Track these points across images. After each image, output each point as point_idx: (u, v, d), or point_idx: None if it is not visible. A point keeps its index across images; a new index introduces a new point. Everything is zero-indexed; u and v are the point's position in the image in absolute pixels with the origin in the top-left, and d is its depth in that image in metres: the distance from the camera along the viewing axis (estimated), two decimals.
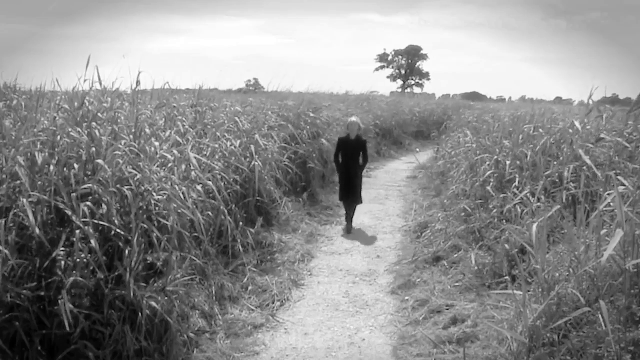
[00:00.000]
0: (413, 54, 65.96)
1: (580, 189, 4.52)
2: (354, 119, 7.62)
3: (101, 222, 3.17)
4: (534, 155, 5.55)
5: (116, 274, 3.20)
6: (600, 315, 2.82)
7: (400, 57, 66.64)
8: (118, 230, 3.22)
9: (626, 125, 5.63)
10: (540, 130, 6.27)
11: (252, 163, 6.02)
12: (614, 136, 5.25)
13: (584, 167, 4.84)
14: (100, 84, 4.46)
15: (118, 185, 3.43)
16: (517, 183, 5.28)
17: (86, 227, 3.03)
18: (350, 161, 7.48)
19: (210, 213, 4.67)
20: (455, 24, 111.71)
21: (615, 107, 6.87)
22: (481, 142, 7.41)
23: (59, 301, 2.83)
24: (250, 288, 4.80)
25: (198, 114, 6.35)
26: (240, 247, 5.16)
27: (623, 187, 3.56)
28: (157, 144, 4.20)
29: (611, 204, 3.45)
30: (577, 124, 5.74)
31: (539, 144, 5.71)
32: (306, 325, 4.33)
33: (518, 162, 5.75)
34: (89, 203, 3.16)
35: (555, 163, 5.31)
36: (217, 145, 5.62)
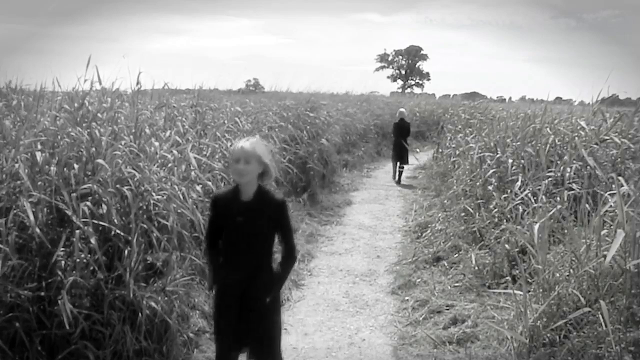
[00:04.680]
0: (413, 54, 66.05)
1: (582, 189, 4.53)
2: (245, 144, 2.68)
3: (101, 222, 3.17)
4: (537, 155, 5.55)
5: (116, 274, 3.20)
6: (600, 315, 2.82)
7: (401, 57, 66.73)
8: (118, 231, 3.22)
9: (630, 126, 5.63)
10: (548, 129, 6.25)
11: None
12: (617, 137, 5.25)
13: (587, 167, 4.85)
14: (100, 83, 4.46)
15: (118, 185, 3.43)
16: (519, 183, 5.27)
17: (86, 227, 3.03)
18: (246, 256, 2.78)
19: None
20: (461, 22, 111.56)
21: (614, 108, 6.88)
22: (485, 142, 7.40)
23: (59, 301, 2.83)
24: None
25: (198, 114, 6.35)
26: None
27: (624, 188, 3.55)
28: (156, 144, 4.19)
29: (612, 204, 3.45)
30: (583, 124, 5.74)
31: (545, 143, 5.69)
32: (306, 325, 4.32)
33: (522, 162, 5.74)
34: (88, 203, 3.16)
35: (559, 162, 5.31)
36: (217, 145, 5.62)
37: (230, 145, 6.07)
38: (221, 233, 2.80)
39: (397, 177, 11.49)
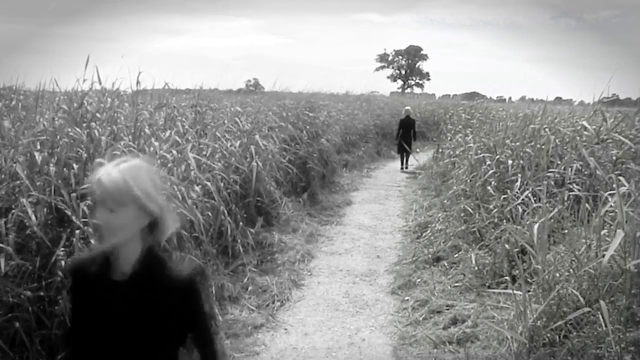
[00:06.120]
0: (413, 54, 66.02)
1: (582, 189, 4.53)
2: (107, 177, 1.37)
3: None
4: (537, 155, 5.55)
5: None
6: (600, 315, 2.82)
7: (400, 57, 66.70)
8: None
9: (631, 126, 5.62)
10: (547, 130, 6.26)
11: (252, 163, 6.02)
12: (618, 136, 5.25)
13: (588, 167, 4.85)
14: (100, 83, 4.47)
15: None
16: (519, 183, 5.27)
17: (86, 227, 3.03)
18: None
19: (209, 213, 4.66)
20: (461, 22, 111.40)
21: (615, 108, 6.87)
22: (483, 142, 7.40)
23: (59, 301, 2.83)
24: (250, 288, 4.80)
25: (198, 114, 6.35)
26: (240, 247, 5.16)
27: (624, 188, 3.55)
28: (156, 144, 4.20)
29: (612, 204, 3.45)
30: (586, 124, 5.74)
31: (544, 144, 5.70)
32: (306, 325, 4.32)
33: (521, 162, 5.75)
34: (88, 202, 3.16)
35: (559, 163, 5.31)
36: (216, 145, 5.62)
37: (230, 145, 6.18)
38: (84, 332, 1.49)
39: (403, 166, 13.17)
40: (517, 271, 4.11)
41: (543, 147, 5.63)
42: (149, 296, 1.43)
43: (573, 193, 4.57)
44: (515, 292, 3.64)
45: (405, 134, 12.95)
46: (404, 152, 13.00)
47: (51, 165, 3.26)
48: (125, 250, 1.43)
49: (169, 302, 1.45)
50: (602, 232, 3.36)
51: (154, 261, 1.47)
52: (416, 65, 66.62)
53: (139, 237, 1.44)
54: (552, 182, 5.05)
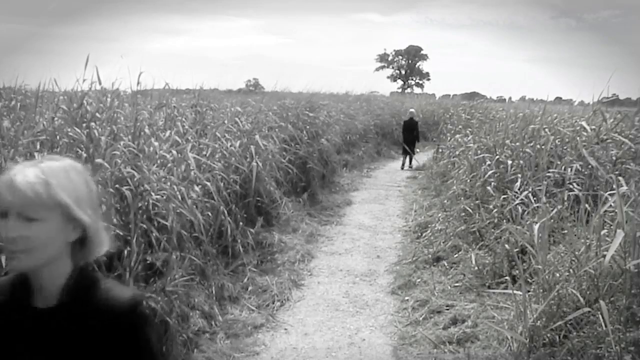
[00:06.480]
0: (413, 54, 65.98)
1: (582, 189, 4.53)
2: (21, 177, 1.06)
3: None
4: (537, 155, 5.55)
5: (116, 274, 3.20)
6: (600, 315, 2.82)
7: (400, 57, 66.66)
8: (117, 231, 3.22)
9: (631, 126, 5.62)
10: (547, 130, 6.26)
11: (252, 163, 6.02)
12: (618, 136, 5.24)
13: (588, 167, 4.85)
14: (100, 83, 4.47)
15: (117, 185, 3.43)
16: (518, 183, 5.27)
17: None
18: None
19: (209, 213, 4.66)
20: (461, 22, 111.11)
21: (615, 108, 6.88)
22: (483, 142, 7.40)
23: None
24: (250, 288, 4.80)
25: (198, 114, 6.35)
26: (240, 247, 5.16)
27: (624, 188, 3.55)
28: (156, 144, 4.20)
29: (612, 204, 3.45)
30: (584, 124, 5.74)
31: (544, 144, 5.69)
32: (306, 325, 4.32)
33: (521, 162, 5.75)
34: None
35: (559, 163, 5.32)
36: (216, 145, 5.62)
37: (230, 145, 6.19)
38: None
39: (406, 164, 13.54)
40: (517, 271, 4.10)
41: (543, 147, 5.62)
42: (79, 327, 1.14)
43: (573, 193, 4.57)
44: (515, 292, 3.64)
45: (408, 135, 13.60)
46: (406, 152, 13.50)
47: None
48: (49, 272, 1.13)
49: (104, 334, 1.14)
50: (602, 232, 3.36)
51: (86, 284, 1.18)
52: (416, 65, 66.56)
53: (66, 254, 1.15)
54: (552, 182, 5.05)
